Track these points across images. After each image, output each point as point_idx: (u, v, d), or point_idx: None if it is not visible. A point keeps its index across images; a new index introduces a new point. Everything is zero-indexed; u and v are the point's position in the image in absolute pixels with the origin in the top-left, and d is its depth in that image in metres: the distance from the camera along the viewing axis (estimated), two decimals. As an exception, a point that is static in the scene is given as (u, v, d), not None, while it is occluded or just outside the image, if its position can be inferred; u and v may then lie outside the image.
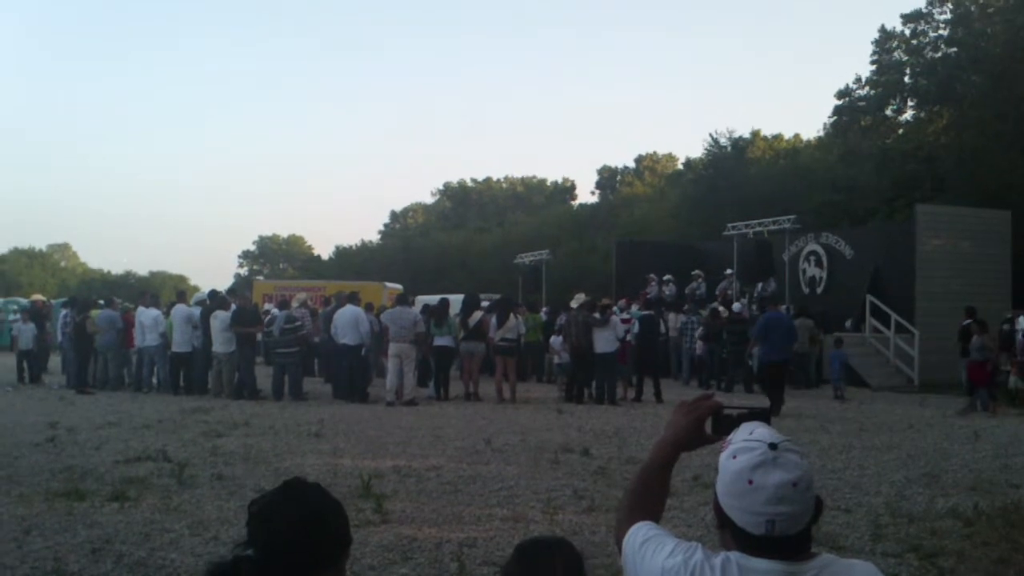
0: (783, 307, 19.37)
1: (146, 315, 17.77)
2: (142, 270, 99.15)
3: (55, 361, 21.45)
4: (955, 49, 34.25)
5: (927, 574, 5.72)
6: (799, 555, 1.72)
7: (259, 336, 18.02)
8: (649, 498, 2.06)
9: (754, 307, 21.64)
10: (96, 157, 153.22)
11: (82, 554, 5.96)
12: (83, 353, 18.20)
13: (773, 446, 1.71)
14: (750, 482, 1.68)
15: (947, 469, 9.61)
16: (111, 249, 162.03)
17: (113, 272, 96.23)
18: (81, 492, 7.77)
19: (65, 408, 14.73)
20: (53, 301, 30.22)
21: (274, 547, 1.88)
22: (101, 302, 21.71)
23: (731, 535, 1.75)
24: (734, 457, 1.74)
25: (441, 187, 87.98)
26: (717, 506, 1.78)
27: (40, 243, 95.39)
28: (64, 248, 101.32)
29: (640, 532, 1.92)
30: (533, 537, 2.30)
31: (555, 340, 17.79)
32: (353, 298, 17.07)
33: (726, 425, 1.95)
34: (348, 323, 16.22)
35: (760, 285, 23.20)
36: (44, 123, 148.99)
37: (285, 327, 16.72)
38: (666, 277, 24.42)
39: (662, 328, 16.95)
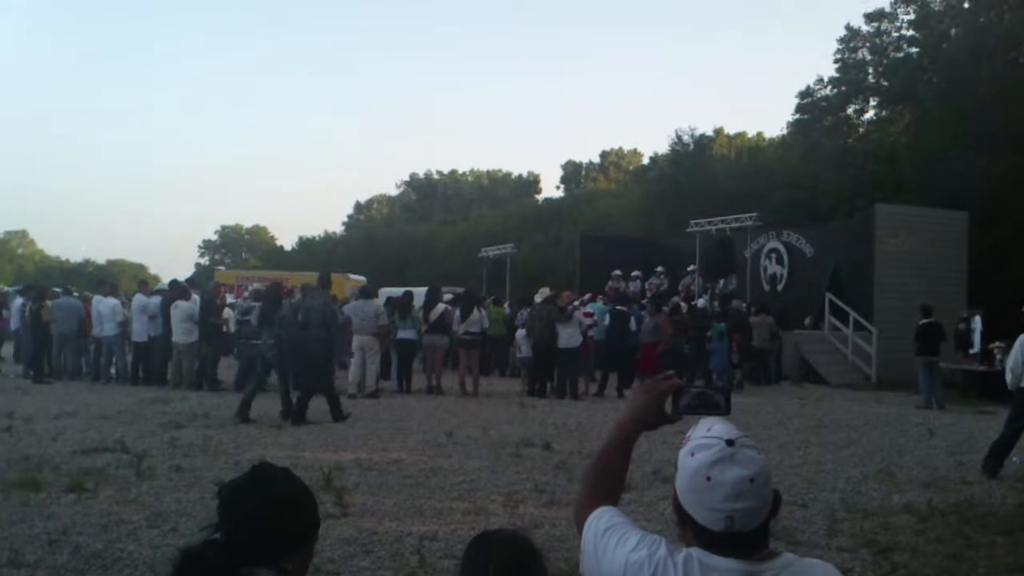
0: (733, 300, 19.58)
1: (104, 304, 17.52)
2: (101, 258, 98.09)
3: (9, 350, 21.15)
4: (917, 50, 34.70)
5: (881, 569, 5.81)
6: (759, 552, 1.74)
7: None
8: (609, 479, 2.07)
9: (715, 303, 21.80)
10: (55, 144, 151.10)
11: (39, 545, 5.89)
12: (39, 342, 17.91)
13: (730, 442, 1.72)
14: (708, 479, 1.69)
15: (902, 466, 9.77)
16: (69, 237, 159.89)
17: (71, 260, 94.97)
18: (38, 483, 7.66)
19: (21, 398, 14.48)
20: (9, 289, 29.74)
21: (243, 530, 1.90)
22: (58, 290, 21.39)
23: (692, 532, 1.76)
24: (692, 454, 1.75)
25: (407, 179, 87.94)
26: (677, 503, 1.79)
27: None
28: (22, 235, 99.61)
29: (603, 518, 1.92)
30: (483, 531, 2.28)
31: (519, 334, 17.80)
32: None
33: (686, 404, 1.95)
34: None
35: (722, 281, 23.43)
36: (1, 110, 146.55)
37: None
38: (634, 273, 24.52)
39: (632, 325, 17.02)
